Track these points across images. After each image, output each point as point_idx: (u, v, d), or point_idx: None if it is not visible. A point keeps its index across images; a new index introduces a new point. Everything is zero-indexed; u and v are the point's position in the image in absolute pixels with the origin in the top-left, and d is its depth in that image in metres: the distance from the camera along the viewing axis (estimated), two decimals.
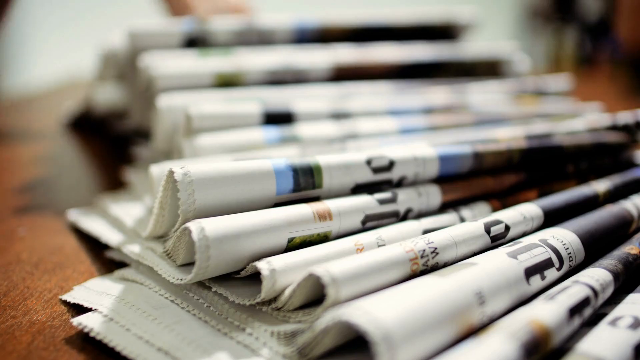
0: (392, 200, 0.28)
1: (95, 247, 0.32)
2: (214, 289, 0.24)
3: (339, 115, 0.40)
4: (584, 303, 0.21)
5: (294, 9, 0.62)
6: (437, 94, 0.46)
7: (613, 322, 0.21)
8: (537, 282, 0.23)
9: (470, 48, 0.53)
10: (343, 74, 0.46)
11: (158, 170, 0.30)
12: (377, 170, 0.28)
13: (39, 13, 1.70)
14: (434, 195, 0.29)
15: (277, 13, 0.51)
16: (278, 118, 0.38)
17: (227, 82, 0.42)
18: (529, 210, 0.28)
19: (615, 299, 0.24)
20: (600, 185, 0.31)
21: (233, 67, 0.42)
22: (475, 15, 0.58)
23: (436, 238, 0.24)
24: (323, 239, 0.26)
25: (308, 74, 0.45)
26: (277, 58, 0.44)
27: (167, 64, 0.41)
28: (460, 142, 0.33)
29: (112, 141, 0.53)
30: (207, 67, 0.41)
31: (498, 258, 0.23)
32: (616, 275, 0.24)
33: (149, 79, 0.41)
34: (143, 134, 0.47)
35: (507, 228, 0.26)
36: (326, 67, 0.45)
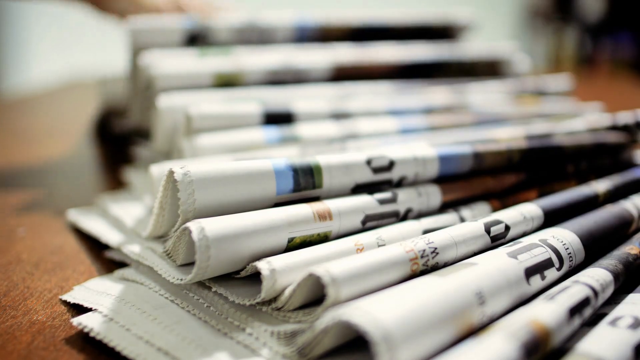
0: (392, 200, 0.28)
1: (95, 247, 0.32)
2: (214, 289, 0.24)
3: (339, 115, 0.40)
4: (584, 303, 0.21)
5: (295, 8, 0.63)
6: (437, 94, 0.46)
7: (613, 322, 0.21)
8: (537, 282, 0.23)
9: (470, 48, 0.53)
10: (343, 74, 0.46)
11: (158, 170, 0.30)
12: (377, 170, 0.28)
13: (39, 12, 1.70)
14: (434, 195, 0.29)
15: (278, 11, 0.51)
16: (278, 118, 0.38)
17: (227, 81, 0.42)
18: (529, 210, 0.28)
19: (615, 299, 0.24)
20: (600, 185, 0.31)
21: (233, 67, 0.42)
22: (474, 17, 0.58)
23: (436, 238, 0.24)
24: (323, 239, 0.26)
25: (308, 74, 0.45)
26: (277, 58, 0.44)
27: (167, 63, 0.41)
28: (460, 142, 0.33)
29: (112, 141, 0.53)
30: (207, 67, 0.41)
31: (498, 258, 0.23)
32: (616, 275, 0.24)
33: (149, 78, 0.41)
34: (143, 134, 0.47)
35: (507, 228, 0.26)
36: (326, 67, 0.45)
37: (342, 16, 0.52)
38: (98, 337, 0.23)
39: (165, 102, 0.38)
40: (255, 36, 0.47)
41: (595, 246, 0.26)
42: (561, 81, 0.52)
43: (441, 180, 0.30)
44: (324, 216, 0.26)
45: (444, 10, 0.58)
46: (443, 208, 0.30)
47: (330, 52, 0.47)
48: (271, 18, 0.48)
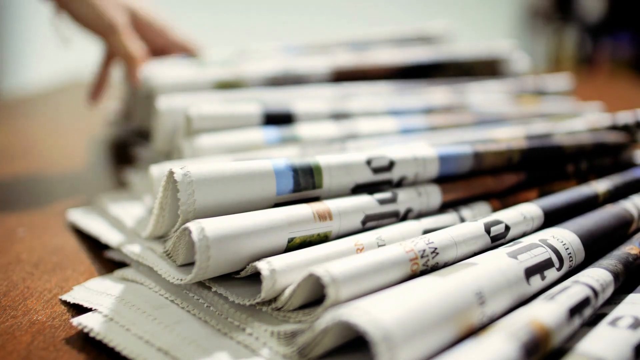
0: (392, 200, 0.28)
1: (95, 247, 0.32)
2: (214, 289, 0.24)
3: (339, 116, 0.40)
4: (584, 303, 0.21)
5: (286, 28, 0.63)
6: (437, 94, 0.46)
7: (613, 322, 0.21)
8: (537, 282, 0.23)
9: (469, 48, 0.53)
10: (342, 78, 0.46)
11: (158, 170, 0.30)
12: (377, 170, 0.28)
13: (38, 12, 1.70)
14: (434, 195, 0.29)
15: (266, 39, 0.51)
16: (278, 118, 0.38)
17: (227, 89, 0.42)
18: (529, 210, 0.28)
19: (615, 299, 0.24)
20: (600, 185, 0.31)
21: (233, 75, 0.42)
22: (449, 27, 0.60)
23: (436, 238, 0.24)
24: (323, 239, 0.26)
25: (308, 78, 0.45)
26: (277, 64, 0.44)
27: (167, 74, 0.41)
28: (460, 142, 0.33)
29: (112, 141, 0.53)
30: (207, 76, 0.42)
31: (498, 258, 0.23)
32: (616, 275, 0.24)
33: (150, 89, 0.41)
34: (143, 135, 0.47)
35: (507, 228, 0.26)
36: (325, 71, 0.45)
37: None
38: (98, 337, 0.23)
39: (166, 103, 0.38)
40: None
41: (595, 246, 0.26)
42: (561, 81, 0.52)
43: (441, 180, 0.30)
44: (324, 216, 0.26)
45: (440, 15, 0.59)
46: (443, 208, 0.30)
47: (329, 56, 0.47)
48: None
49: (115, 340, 0.22)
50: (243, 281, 0.24)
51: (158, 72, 0.41)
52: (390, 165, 0.29)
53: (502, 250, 0.24)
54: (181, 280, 0.24)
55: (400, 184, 0.29)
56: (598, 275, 0.23)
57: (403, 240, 0.25)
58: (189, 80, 0.41)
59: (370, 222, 0.27)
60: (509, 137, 0.36)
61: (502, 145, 0.32)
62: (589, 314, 0.22)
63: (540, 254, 0.24)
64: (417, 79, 0.49)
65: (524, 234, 0.27)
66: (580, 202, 0.30)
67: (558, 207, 0.29)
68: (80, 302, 0.25)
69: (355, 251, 0.24)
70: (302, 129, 0.37)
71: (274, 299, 0.23)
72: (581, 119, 0.41)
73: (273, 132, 0.36)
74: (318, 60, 0.46)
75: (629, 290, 0.25)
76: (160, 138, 0.38)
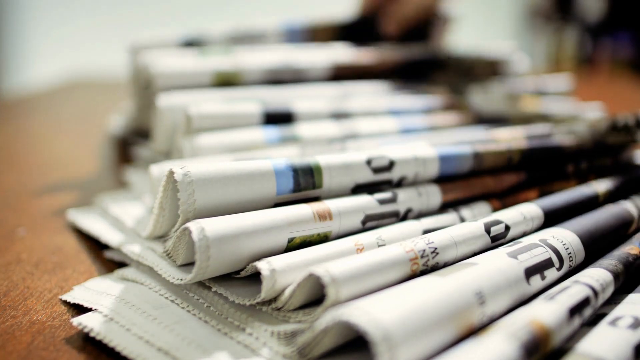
0: (392, 200, 0.28)
1: (95, 247, 0.32)
2: (214, 289, 0.24)
3: (339, 115, 0.40)
4: (584, 303, 0.21)
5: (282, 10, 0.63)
6: (437, 94, 0.46)
7: (613, 322, 0.21)
8: (537, 282, 0.23)
9: (469, 48, 0.53)
10: (342, 73, 0.46)
11: (158, 170, 0.30)
12: (377, 170, 0.28)
13: (38, 12, 1.70)
14: (434, 195, 0.29)
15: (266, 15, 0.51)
16: (278, 118, 0.38)
17: (226, 80, 0.42)
18: (529, 210, 0.28)
19: (615, 299, 0.24)
20: (600, 185, 0.31)
21: (232, 66, 0.42)
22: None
23: (436, 238, 0.24)
24: (323, 239, 0.26)
25: (307, 73, 0.45)
26: (276, 57, 0.44)
27: (167, 62, 0.41)
28: (460, 142, 0.33)
29: (111, 141, 0.53)
30: (206, 66, 0.41)
31: (498, 258, 0.23)
32: (616, 275, 0.24)
33: (149, 77, 0.41)
34: (143, 134, 0.47)
35: (507, 228, 0.26)
36: (325, 66, 0.45)
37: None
38: (98, 337, 0.23)
39: (165, 101, 0.37)
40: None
41: (595, 246, 0.26)
42: (561, 81, 0.52)
43: (441, 180, 0.30)
44: (324, 216, 0.26)
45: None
46: (443, 208, 0.30)
47: (329, 51, 0.47)
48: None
49: (115, 340, 0.22)
50: (243, 281, 0.24)
51: (157, 60, 0.41)
52: (391, 165, 0.29)
53: (502, 250, 0.24)
54: (181, 280, 0.24)
55: (400, 183, 0.29)
56: (598, 275, 0.23)
57: (403, 240, 0.25)
58: (188, 70, 0.41)
59: (371, 222, 0.27)
60: (509, 137, 0.36)
61: (502, 145, 0.32)
62: (589, 314, 0.22)
63: (540, 254, 0.24)
64: (417, 78, 0.49)
65: (524, 234, 0.27)
66: (580, 202, 0.30)
67: (558, 207, 0.29)
68: (80, 302, 0.25)
69: (355, 251, 0.24)
70: (302, 129, 0.37)
71: (274, 299, 0.23)
72: (581, 119, 0.41)
73: (273, 132, 0.36)
74: (318, 54, 0.46)
75: (629, 290, 0.25)
76: (160, 137, 0.38)
